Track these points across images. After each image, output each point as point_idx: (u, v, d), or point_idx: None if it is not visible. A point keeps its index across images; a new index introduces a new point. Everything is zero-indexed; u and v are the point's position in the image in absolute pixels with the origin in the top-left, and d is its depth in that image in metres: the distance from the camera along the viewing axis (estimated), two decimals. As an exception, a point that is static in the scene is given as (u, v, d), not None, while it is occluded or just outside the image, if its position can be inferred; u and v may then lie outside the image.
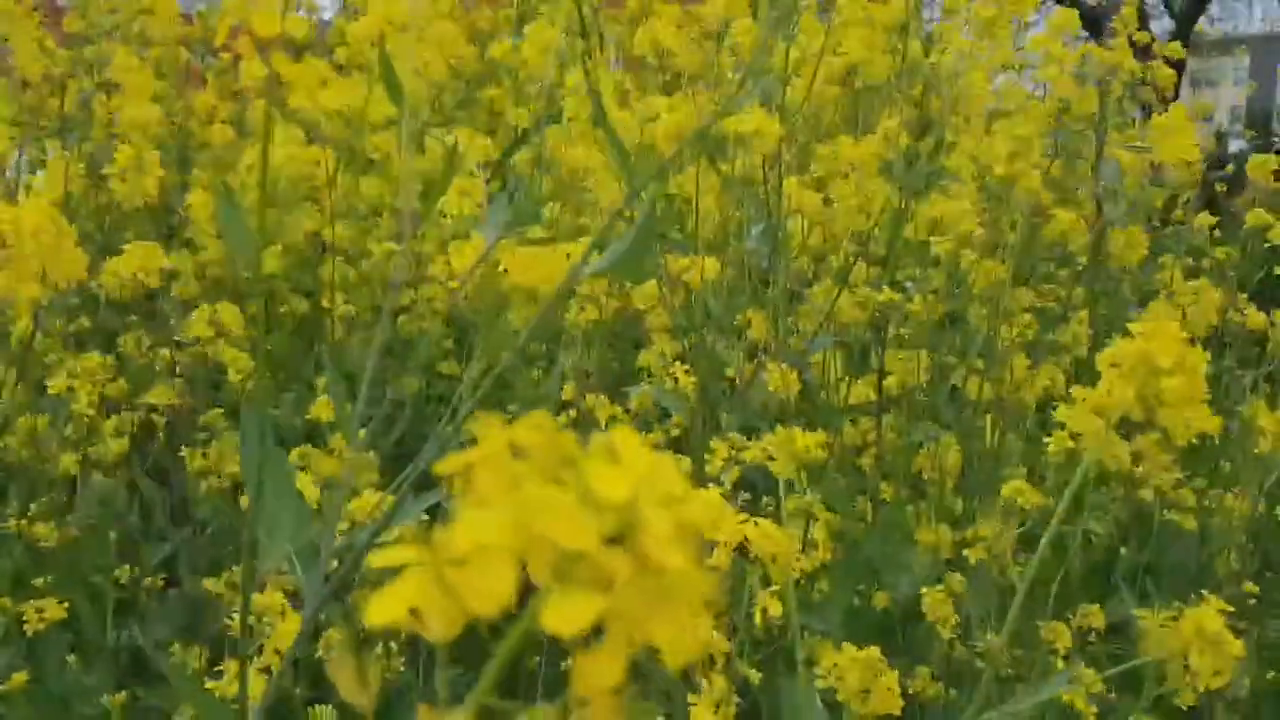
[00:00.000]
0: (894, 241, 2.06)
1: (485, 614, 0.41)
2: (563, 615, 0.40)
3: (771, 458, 1.29)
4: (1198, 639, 0.99)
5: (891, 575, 1.96)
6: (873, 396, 2.09)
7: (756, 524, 1.13)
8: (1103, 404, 0.93)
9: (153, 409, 2.04)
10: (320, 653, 1.68)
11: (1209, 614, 0.99)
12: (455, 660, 0.49)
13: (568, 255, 1.33)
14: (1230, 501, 2.13)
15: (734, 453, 1.36)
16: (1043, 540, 1.00)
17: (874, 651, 1.20)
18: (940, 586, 1.61)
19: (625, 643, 0.41)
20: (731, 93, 1.99)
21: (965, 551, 1.61)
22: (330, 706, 1.50)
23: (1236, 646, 0.98)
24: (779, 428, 1.23)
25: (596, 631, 0.41)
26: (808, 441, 1.21)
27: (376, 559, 0.44)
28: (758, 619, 1.13)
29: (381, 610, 0.42)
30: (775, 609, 1.14)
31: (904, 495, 2.08)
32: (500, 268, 1.57)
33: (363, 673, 0.51)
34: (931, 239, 2.18)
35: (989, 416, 2.07)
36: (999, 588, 1.61)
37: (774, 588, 1.14)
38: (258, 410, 1.09)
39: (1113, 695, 1.77)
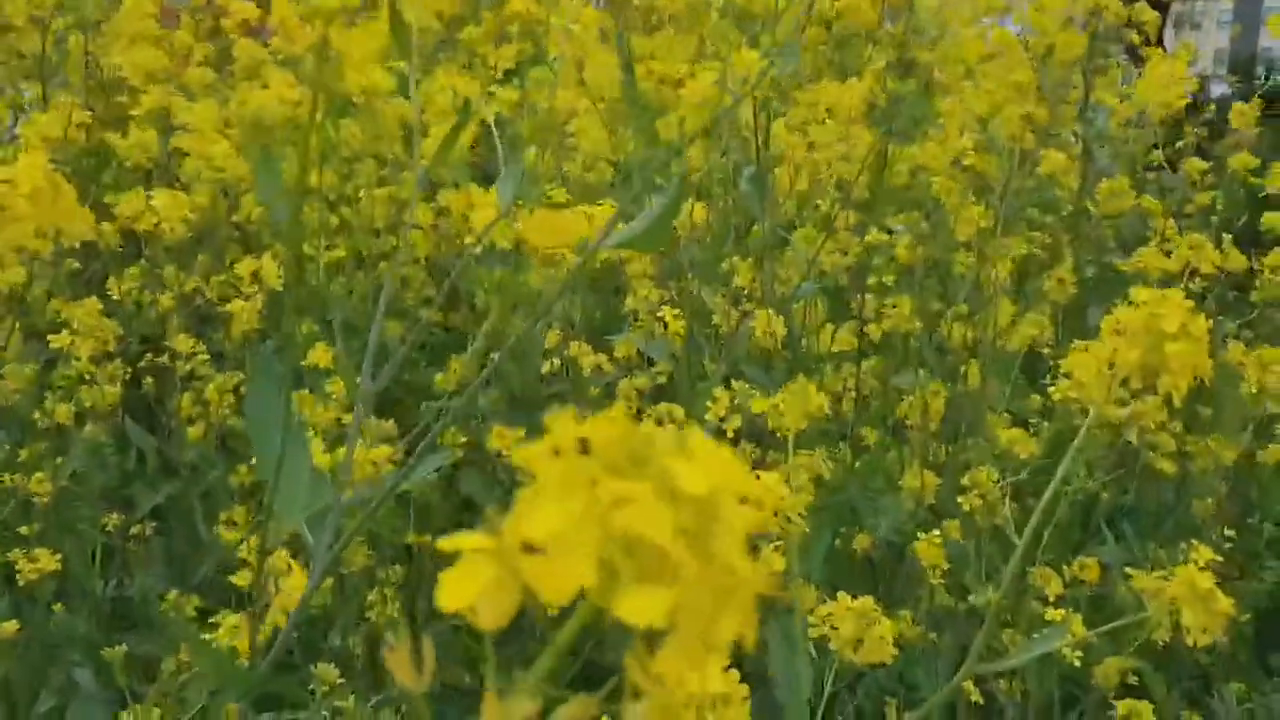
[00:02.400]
0: (876, 185, 2.06)
1: (558, 603, 0.41)
2: (638, 607, 0.40)
3: (778, 410, 1.29)
4: (1189, 596, 1.01)
5: (872, 519, 1.98)
6: (855, 343, 2.10)
7: (759, 477, 1.13)
8: (1106, 367, 0.94)
9: (146, 354, 2.04)
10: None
11: (1200, 572, 1.01)
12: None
13: (589, 218, 1.33)
14: (1210, 446, 2.15)
15: (735, 403, 1.36)
16: (1045, 494, 1.02)
17: (868, 601, 1.21)
18: (934, 533, 1.62)
19: (695, 638, 0.41)
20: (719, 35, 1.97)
21: (959, 499, 1.62)
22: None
23: (1226, 603, 1.00)
24: (789, 383, 1.23)
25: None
26: (820, 400, 1.21)
27: (446, 544, 0.44)
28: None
29: (454, 595, 0.43)
30: (779, 564, 1.14)
31: (885, 440, 2.10)
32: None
33: (420, 660, 0.52)
34: (916, 181, 2.19)
35: (972, 363, 2.08)
36: (986, 533, 1.63)
37: (777, 542, 1.14)
38: (269, 369, 1.08)
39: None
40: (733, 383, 1.46)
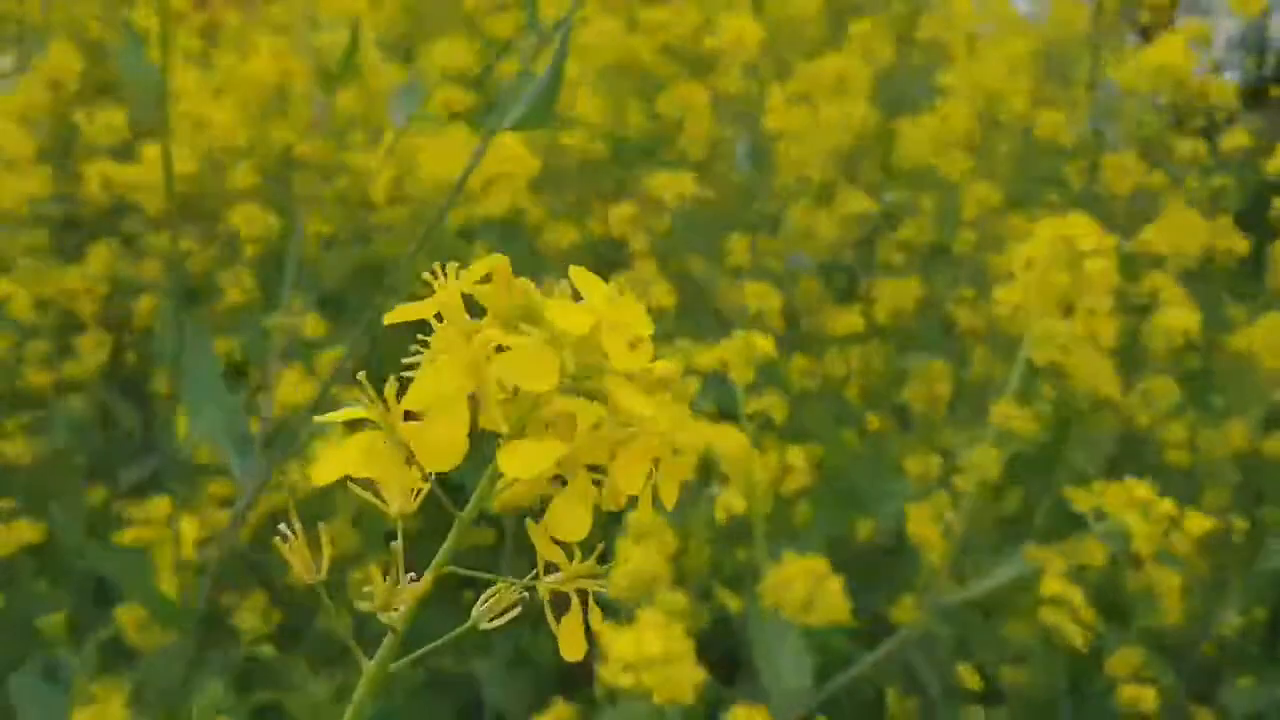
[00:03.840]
0: (884, 162, 2.01)
1: (438, 468, 0.39)
2: (522, 459, 0.38)
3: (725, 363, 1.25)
4: (1127, 503, 1.01)
5: (877, 505, 1.93)
6: (860, 325, 2.05)
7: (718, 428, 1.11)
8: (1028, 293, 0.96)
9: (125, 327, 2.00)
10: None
11: (1138, 484, 1.02)
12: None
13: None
14: (1221, 436, 2.10)
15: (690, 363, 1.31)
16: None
17: (818, 560, 1.16)
18: (925, 509, 1.58)
19: (588, 490, 0.39)
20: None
21: (953, 478, 1.57)
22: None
23: (1167, 506, 1.01)
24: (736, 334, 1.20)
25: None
26: (765, 345, 1.17)
27: (328, 416, 0.43)
28: (719, 515, 1.11)
29: (331, 467, 0.41)
30: (738, 506, 1.12)
31: (890, 425, 2.05)
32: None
33: (312, 550, 0.49)
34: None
35: (978, 346, 2.03)
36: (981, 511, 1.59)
37: (734, 487, 1.12)
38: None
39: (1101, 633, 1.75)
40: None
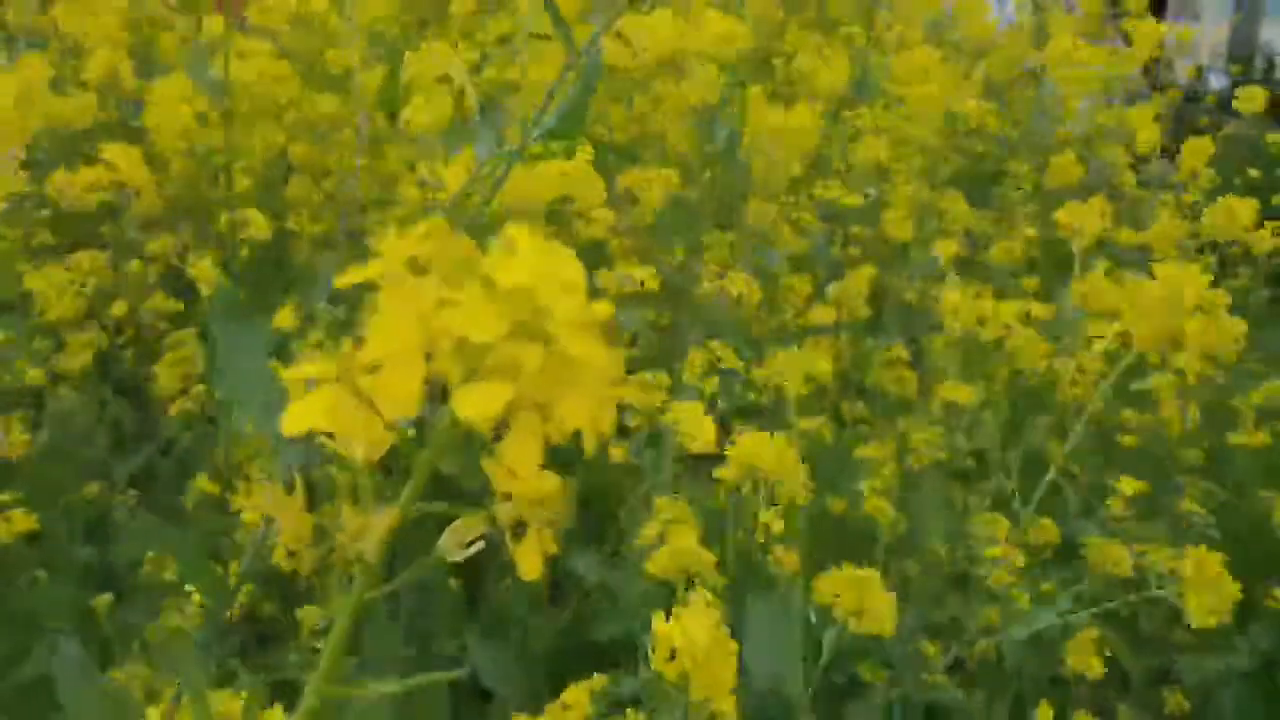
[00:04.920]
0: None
1: (398, 417, 0.43)
2: (473, 402, 0.41)
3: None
4: None
5: (849, 490, 1.98)
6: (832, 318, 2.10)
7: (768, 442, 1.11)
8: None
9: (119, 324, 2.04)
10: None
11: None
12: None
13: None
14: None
15: (716, 360, 1.34)
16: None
17: (872, 573, 1.21)
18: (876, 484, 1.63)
19: (537, 426, 0.43)
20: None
21: (907, 459, 1.62)
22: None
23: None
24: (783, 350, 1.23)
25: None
26: (820, 361, 1.21)
27: (288, 373, 0.46)
28: (760, 536, 1.13)
29: (296, 420, 0.44)
30: (778, 527, 1.14)
31: (862, 411, 2.10)
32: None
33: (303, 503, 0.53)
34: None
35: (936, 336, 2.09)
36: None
37: (777, 506, 1.14)
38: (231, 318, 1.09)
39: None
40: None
